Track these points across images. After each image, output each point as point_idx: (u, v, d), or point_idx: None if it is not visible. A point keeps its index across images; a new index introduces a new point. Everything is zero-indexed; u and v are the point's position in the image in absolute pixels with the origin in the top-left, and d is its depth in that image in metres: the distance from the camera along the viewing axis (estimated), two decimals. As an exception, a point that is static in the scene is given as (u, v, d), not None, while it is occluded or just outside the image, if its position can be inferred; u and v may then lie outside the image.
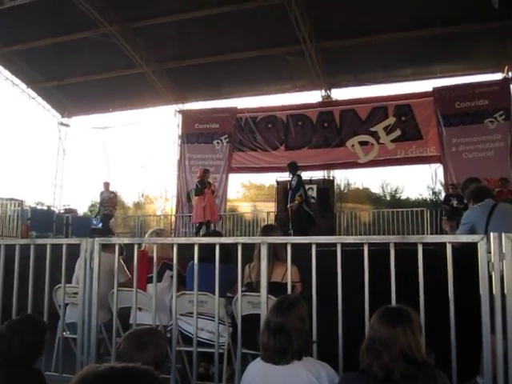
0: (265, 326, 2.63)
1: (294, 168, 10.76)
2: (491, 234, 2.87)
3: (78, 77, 16.31)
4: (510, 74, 13.97)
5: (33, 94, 17.58)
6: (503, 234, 2.82)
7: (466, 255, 3.20)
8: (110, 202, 13.84)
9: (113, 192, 14.18)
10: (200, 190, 11.14)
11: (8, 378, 2.45)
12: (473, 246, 2.96)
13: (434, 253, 3.36)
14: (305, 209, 10.30)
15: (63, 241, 4.31)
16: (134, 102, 17.60)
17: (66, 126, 18.94)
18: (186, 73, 15.65)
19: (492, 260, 2.85)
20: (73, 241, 4.29)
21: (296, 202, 10.20)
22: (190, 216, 15.27)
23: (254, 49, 14.31)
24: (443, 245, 3.08)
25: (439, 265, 3.10)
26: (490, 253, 2.86)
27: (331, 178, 15.43)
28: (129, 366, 1.18)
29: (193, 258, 3.65)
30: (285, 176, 14.40)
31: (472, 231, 4.03)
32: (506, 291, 2.78)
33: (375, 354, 2.23)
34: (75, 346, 3.96)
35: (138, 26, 14.02)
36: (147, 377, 1.17)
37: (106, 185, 14.07)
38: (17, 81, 16.98)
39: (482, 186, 4.73)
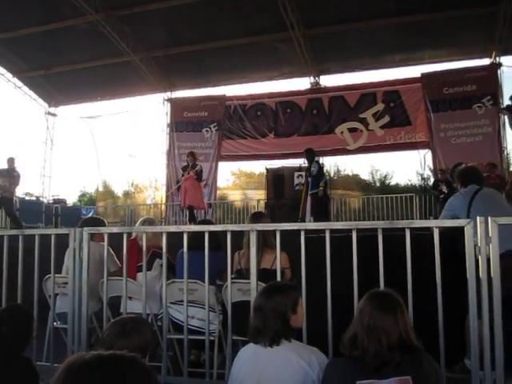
0: (252, 309, 2.67)
1: (311, 154, 10.88)
2: (477, 218, 2.89)
3: (64, 66, 16.11)
4: (497, 59, 14.00)
5: (19, 83, 17.36)
6: (489, 218, 2.84)
7: (452, 240, 3.23)
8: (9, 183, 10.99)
9: (16, 171, 11.20)
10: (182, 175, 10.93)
11: None
12: (458, 231, 2.98)
13: (423, 238, 3.39)
14: (328, 197, 10.42)
15: (52, 231, 4.30)
16: (121, 90, 17.44)
17: (54, 115, 18.74)
18: (174, 61, 15.53)
19: (479, 244, 2.87)
20: (61, 231, 4.29)
21: (321, 189, 10.35)
22: (179, 204, 15.26)
23: (241, 36, 14.20)
24: (431, 229, 3.11)
25: (427, 250, 3.13)
26: (476, 237, 2.89)
27: (321, 165, 15.48)
28: (116, 353, 1.18)
29: (182, 247, 3.65)
30: (274, 163, 14.46)
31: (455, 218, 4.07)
32: (492, 274, 2.81)
33: (372, 340, 2.24)
34: (66, 335, 3.95)
35: (124, 14, 13.84)
36: (134, 364, 1.17)
37: (10, 161, 11.16)
38: (2, 70, 16.75)
39: (469, 168, 4.74)
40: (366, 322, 2.31)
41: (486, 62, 14.36)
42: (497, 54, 13.95)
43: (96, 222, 4.95)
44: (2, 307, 3.03)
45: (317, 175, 10.53)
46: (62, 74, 16.49)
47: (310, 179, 10.67)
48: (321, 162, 13.97)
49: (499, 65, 13.96)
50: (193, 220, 10.57)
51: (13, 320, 2.75)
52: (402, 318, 2.27)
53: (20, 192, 17.67)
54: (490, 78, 13.81)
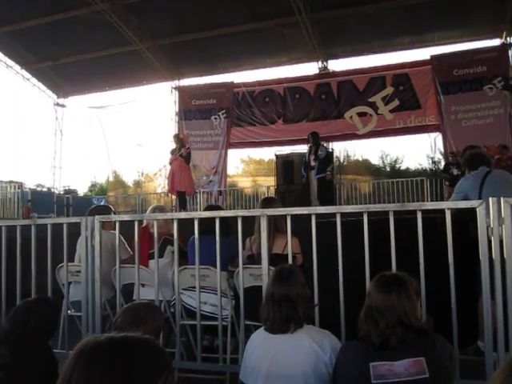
0: (268, 299, 2.65)
1: (317, 138, 10.71)
2: (490, 199, 2.87)
3: (72, 56, 16.10)
4: (508, 39, 13.79)
5: (27, 75, 17.44)
6: (502, 199, 2.82)
7: (463, 222, 3.21)
8: None
9: None
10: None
11: (23, 356, 2.52)
12: (470, 213, 2.96)
13: (434, 221, 3.37)
14: (333, 183, 10.31)
15: (63, 220, 4.31)
16: (129, 79, 17.43)
17: (62, 106, 18.81)
18: (181, 49, 15.46)
19: (491, 225, 2.85)
20: (73, 219, 4.30)
21: (329, 173, 10.36)
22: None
23: (248, 22, 14.08)
24: (442, 212, 3.09)
25: (438, 232, 3.11)
26: (488, 218, 2.87)
27: (330, 150, 15.39)
28: (128, 335, 1.18)
29: (193, 233, 3.66)
30: (284, 150, 14.40)
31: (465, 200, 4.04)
32: (505, 255, 2.79)
33: (372, 321, 2.25)
34: (80, 323, 4.00)
35: (129, 3, 13.76)
36: (147, 346, 1.17)
37: None
38: (10, 62, 16.83)
39: (476, 153, 4.71)
40: (367, 303, 2.34)
41: (496, 42, 14.15)
42: (507, 35, 13.72)
43: (104, 210, 4.98)
44: (30, 299, 3.10)
45: (324, 159, 10.39)
46: (70, 65, 16.50)
47: (315, 163, 10.47)
48: (330, 147, 13.95)
49: (510, 45, 13.76)
50: (183, 206, 10.37)
51: (40, 312, 2.82)
52: (401, 299, 2.25)
53: (31, 183, 17.84)
54: (500, 58, 13.61)
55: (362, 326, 2.31)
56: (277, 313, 2.55)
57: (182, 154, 10.25)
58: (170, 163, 10.47)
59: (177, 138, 10.72)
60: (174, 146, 10.70)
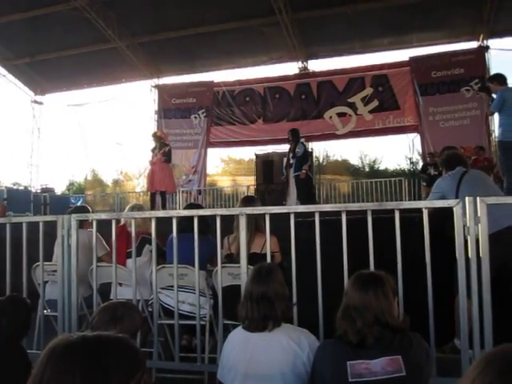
0: (246, 297, 2.64)
1: (296, 135, 10.48)
2: (466, 198, 2.90)
3: (50, 53, 15.87)
4: (485, 42, 14.00)
5: (3, 71, 17.11)
6: (478, 198, 2.85)
7: (440, 221, 3.24)
8: None
9: None
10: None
11: None
12: (447, 212, 2.99)
13: (412, 220, 3.40)
14: (311, 179, 10.12)
15: (39, 218, 4.27)
16: (108, 77, 17.27)
17: (40, 103, 18.53)
18: (161, 47, 15.36)
19: (467, 224, 2.88)
20: (49, 218, 4.25)
21: (304, 171, 10.05)
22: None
23: (228, 21, 14.04)
24: (420, 211, 3.12)
25: (416, 231, 3.14)
26: (465, 217, 2.90)
27: (310, 150, 15.46)
28: (102, 334, 1.16)
29: (172, 232, 3.64)
30: (264, 149, 14.43)
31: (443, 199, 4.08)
32: (481, 254, 2.82)
33: (350, 320, 2.26)
34: (56, 323, 3.95)
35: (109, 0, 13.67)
36: (120, 345, 1.15)
37: None
38: (-14, 58, 16.53)
39: (453, 154, 4.77)
40: (344, 302, 2.35)
41: (473, 45, 14.33)
42: (484, 37, 13.94)
43: (83, 210, 4.93)
44: (2, 298, 3.02)
45: (301, 157, 10.13)
46: (48, 62, 16.26)
47: (293, 160, 10.23)
48: (309, 147, 13.94)
49: (487, 48, 13.98)
50: (163, 206, 10.21)
51: (13, 311, 2.77)
52: (378, 297, 2.26)
53: (8, 181, 17.57)
54: (477, 61, 13.82)
55: (339, 325, 2.32)
56: (255, 311, 2.54)
57: (164, 152, 10.06)
58: (152, 162, 10.31)
59: (155, 136, 10.49)
60: (153, 144, 10.54)
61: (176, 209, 13.01)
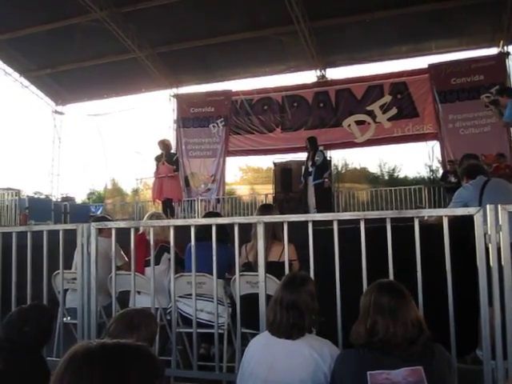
0: (275, 302, 2.63)
1: (314, 143, 10.45)
2: (487, 205, 2.86)
3: (71, 64, 16.12)
4: (505, 48, 13.85)
5: (26, 82, 17.43)
6: (499, 206, 2.81)
7: (462, 230, 3.20)
8: None
9: None
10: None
11: (16, 364, 2.49)
12: (469, 222, 2.95)
13: (431, 228, 3.36)
14: (330, 188, 10.05)
15: (59, 227, 4.28)
16: (128, 87, 17.47)
17: (61, 113, 18.81)
18: (179, 57, 15.52)
19: (489, 232, 2.84)
20: (69, 226, 4.28)
21: (326, 180, 10.11)
22: (188, 200, 15.26)
23: (246, 30, 14.15)
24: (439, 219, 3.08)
25: (436, 240, 3.10)
26: (486, 225, 2.86)
27: (328, 158, 15.41)
28: (120, 342, 1.17)
29: (190, 240, 3.64)
30: (282, 158, 14.41)
31: (464, 208, 4.04)
32: (503, 263, 2.77)
33: (369, 329, 2.23)
34: (76, 331, 3.97)
35: (128, 11, 13.82)
36: (139, 353, 1.15)
37: None
38: (9, 70, 16.81)
39: (473, 164, 4.73)
40: (366, 309, 2.33)
41: (493, 51, 14.19)
42: (504, 43, 13.79)
43: (103, 220, 4.96)
44: (25, 306, 3.05)
45: (321, 165, 10.09)
46: (69, 73, 16.52)
47: (312, 168, 10.13)
48: (328, 155, 13.88)
49: (507, 54, 13.82)
50: (172, 214, 10.25)
51: (35, 319, 2.79)
52: (409, 306, 2.25)
53: (29, 190, 17.82)
54: (497, 67, 13.67)
55: (358, 334, 2.29)
56: (284, 317, 2.54)
57: (174, 160, 10.17)
58: (157, 173, 10.31)
59: (163, 143, 10.44)
60: (159, 151, 10.52)
61: (195, 217, 13.05)
